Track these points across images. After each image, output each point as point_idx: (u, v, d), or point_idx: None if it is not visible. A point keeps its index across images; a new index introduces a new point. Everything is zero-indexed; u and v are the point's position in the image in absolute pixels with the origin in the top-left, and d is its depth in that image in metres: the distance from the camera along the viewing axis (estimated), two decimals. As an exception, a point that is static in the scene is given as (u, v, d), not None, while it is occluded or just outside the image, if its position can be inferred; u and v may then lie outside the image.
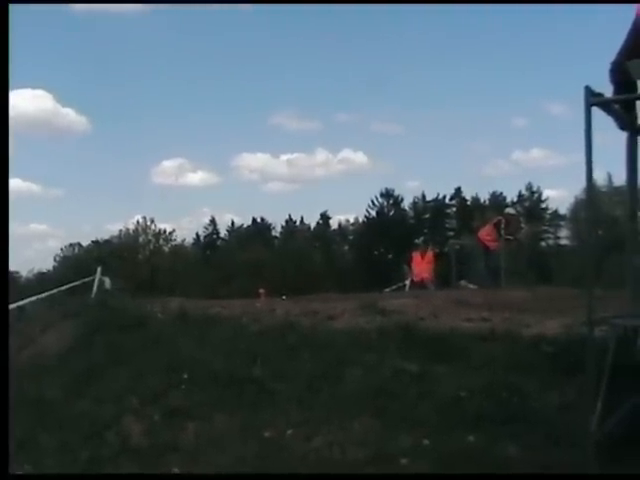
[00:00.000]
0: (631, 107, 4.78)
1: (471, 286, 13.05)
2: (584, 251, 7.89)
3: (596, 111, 4.30)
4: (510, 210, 15.92)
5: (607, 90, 4.61)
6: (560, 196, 63.35)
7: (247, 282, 38.91)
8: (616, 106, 4.68)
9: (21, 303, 11.53)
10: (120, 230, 58.48)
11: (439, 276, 15.83)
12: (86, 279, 13.32)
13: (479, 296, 8.53)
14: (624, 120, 4.76)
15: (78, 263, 48.26)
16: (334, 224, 60.93)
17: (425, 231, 55.45)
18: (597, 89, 4.33)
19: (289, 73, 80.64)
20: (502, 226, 13.33)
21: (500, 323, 6.46)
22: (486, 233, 13.54)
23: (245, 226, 62.35)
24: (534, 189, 56.68)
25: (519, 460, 4.48)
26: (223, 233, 63.01)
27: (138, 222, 58.46)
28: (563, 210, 53.54)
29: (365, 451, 4.87)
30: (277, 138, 79.77)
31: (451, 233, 54.05)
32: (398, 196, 57.61)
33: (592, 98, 4.22)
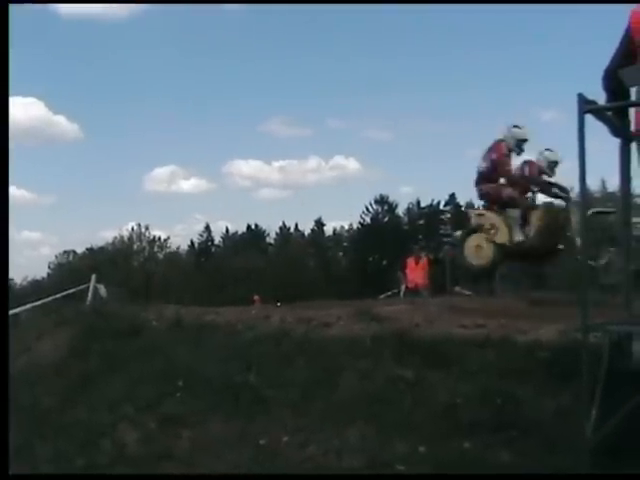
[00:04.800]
0: (624, 114, 4.80)
1: (466, 292, 13.08)
2: (578, 257, 7.91)
3: (588, 117, 4.32)
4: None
5: (599, 97, 4.64)
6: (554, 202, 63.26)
7: (242, 289, 38.93)
8: (609, 113, 4.71)
9: (16, 310, 11.49)
10: (114, 237, 58.50)
11: (434, 282, 15.83)
12: (81, 286, 13.28)
13: (474, 302, 8.53)
14: (617, 127, 4.78)
15: (72, 270, 48.19)
16: (328, 231, 60.92)
17: (420, 237, 55.37)
18: (588, 96, 4.35)
19: (280, 79, 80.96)
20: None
21: (495, 329, 6.46)
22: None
23: (239, 233, 62.26)
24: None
25: (514, 467, 4.49)
26: (217, 240, 62.88)
27: (132, 229, 58.51)
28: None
29: (360, 458, 4.87)
30: (269, 145, 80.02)
31: (446, 239, 53.99)
32: (392, 202, 57.62)
33: (586, 105, 4.24)
